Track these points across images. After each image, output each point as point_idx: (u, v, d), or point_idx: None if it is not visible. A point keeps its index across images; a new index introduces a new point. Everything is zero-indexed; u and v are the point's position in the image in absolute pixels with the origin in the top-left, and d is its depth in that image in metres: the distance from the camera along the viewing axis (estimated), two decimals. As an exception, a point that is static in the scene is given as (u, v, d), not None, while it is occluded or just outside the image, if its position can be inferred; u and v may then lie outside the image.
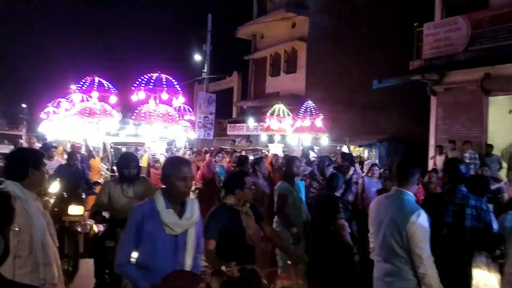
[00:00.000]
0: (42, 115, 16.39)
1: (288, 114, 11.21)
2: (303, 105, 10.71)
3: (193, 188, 7.35)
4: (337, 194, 4.36)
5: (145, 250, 2.36)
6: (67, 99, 12.57)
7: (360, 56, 15.90)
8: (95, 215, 4.12)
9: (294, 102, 16.13)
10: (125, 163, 4.09)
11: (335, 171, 5.14)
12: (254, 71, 21.88)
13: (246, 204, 3.16)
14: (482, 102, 10.96)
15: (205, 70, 20.59)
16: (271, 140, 11.94)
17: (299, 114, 10.59)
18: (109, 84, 7.80)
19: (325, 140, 10.85)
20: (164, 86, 6.73)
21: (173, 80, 7.15)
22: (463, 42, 10.89)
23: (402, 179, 2.88)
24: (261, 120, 18.70)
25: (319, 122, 10.46)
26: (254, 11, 21.47)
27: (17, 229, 1.55)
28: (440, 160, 10.97)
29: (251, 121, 18.75)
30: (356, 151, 15.65)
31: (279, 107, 11.27)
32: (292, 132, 10.67)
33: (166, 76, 6.91)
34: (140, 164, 4.31)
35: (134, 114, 7.46)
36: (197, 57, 21.42)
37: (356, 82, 15.69)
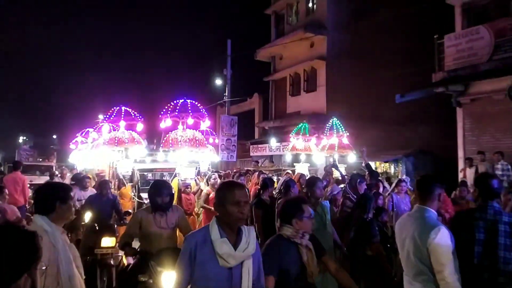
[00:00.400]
0: (72, 146, 16.91)
1: (313, 133, 11.14)
2: (328, 123, 10.47)
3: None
4: (370, 215, 4.21)
5: (198, 283, 2.20)
6: (95, 129, 12.99)
7: (381, 71, 15.79)
8: (125, 246, 3.89)
9: (316, 120, 16.13)
10: (158, 191, 3.84)
11: (367, 192, 4.97)
12: (274, 92, 22.07)
13: (306, 236, 2.81)
14: (511, 111, 10.65)
15: (226, 93, 20.90)
16: (296, 159, 11.79)
17: (325, 132, 10.36)
18: (135, 113, 8.00)
19: (352, 158, 10.59)
20: (190, 111, 6.78)
21: (198, 104, 7.21)
22: (487, 51, 10.69)
23: (423, 196, 2.84)
24: (283, 140, 18.75)
25: (345, 139, 10.21)
26: (272, 34, 21.84)
27: (44, 267, 1.55)
28: (470, 172, 10.65)
29: (273, 141, 18.78)
30: (382, 167, 15.37)
31: (304, 126, 11.18)
32: (318, 151, 10.44)
33: (191, 101, 6.98)
34: (172, 192, 4.13)
35: (162, 141, 7.64)
36: (218, 82, 21.83)
37: (378, 97, 15.56)
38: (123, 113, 7.82)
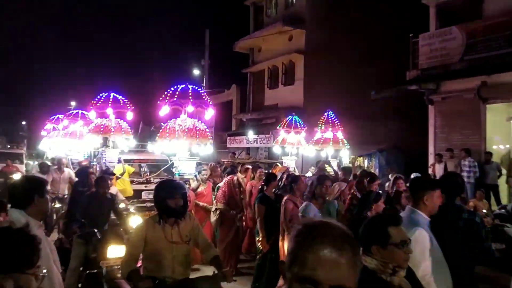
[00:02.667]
0: (43, 133, 16.44)
1: (304, 126, 10.96)
2: (323, 116, 10.12)
3: (213, 208, 6.75)
4: (369, 214, 3.89)
5: None
6: (67, 115, 12.65)
7: (358, 67, 16.05)
8: (132, 275, 2.89)
9: (293, 113, 16.23)
10: (170, 192, 3.04)
11: (369, 190, 4.64)
12: (252, 84, 22.05)
13: (400, 272, 1.98)
14: (480, 110, 11.05)
15: (204, 84, 20.76)
16: (273, 153, 11.65)
17: (318, 125, 10.03)
18: (124, 100, 7.59)
19: (345, 153, 10.25)
20: (190, 98, 5.95)
21: (200, 90, 6.40)
22: (459, 51, 11.04)
23: (412, 198, 2.84)
24: (260, 132, 18.83)
25: (340, 133, 9.87)
26: (251, 26, 21.75)
27: (44, 271, 1.45)
28: (439, 168, 11.02)
29: (250, 134, 18.83)
30: (356, 161, 15.68)
31: (295, 118, 11.00)
32: (310, 144, 10.14)
33: (192, 86, 6.14)
34: (187, 191, 3.40)
35: (155, 128, 7.13)
36: (196, 72, 21.64)
37: (354, 92, 15.81)
38: (111, 100, 7.43)
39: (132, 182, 9.00)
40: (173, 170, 9.18)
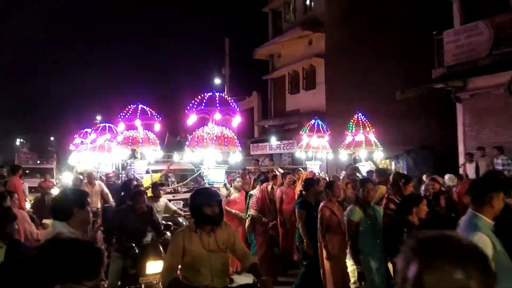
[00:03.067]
0: (71, 147, 16.86)
1: (327, 130, 10.88)
2: (353, 119, 9.95)
3: (246, 215, 6.73)
4: (411, 218, 3.79)
5: None
6: (94, 129, 12.95)
7: (381, 67, 15.78)
8: (174, 285, 2.86)
9: (316, 118, 16.12)
10: (206, 199, 3.03)
11: (411, 192, 4.54)
12: (273, 90, 22.05)
13: None
14: (511, 106, 10.67)
15: (225, 92, 20.90)
16: (293, 158, 11.54)
17: (349, 128, 9.89)
18: (152, 111, 7.70)
19: (379, 155, 9.95)
20: (218, 105, 5.98)
21: (227, 97, 6.43)
22: (486, 46, 10.71)
23: (474, 201, 2.64)
24: (283, 138, 18.75)
25: (372, 135, 9.68)
26: (269, 32, 21.82)
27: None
28: (470, 168, 10.68)
29: (273, 140, 18.78)
30: (382, 163, 15.39)
31: (317, 122, 10.94)
32: (343, 148, 10.00)
33: (219, 94, 6.21)
34: (222, 199, 3.41)
35: (181, 138, 7.22)
36: (217, 81, 21.81)
37: (378, 94, 15.56)
38: (139, 112, 7.54)
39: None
40: (200, 179, 9.25)
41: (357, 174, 8.17)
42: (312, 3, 19.26)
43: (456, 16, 11.97)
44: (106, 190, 8.22)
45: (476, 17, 11.23)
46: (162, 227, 5.33)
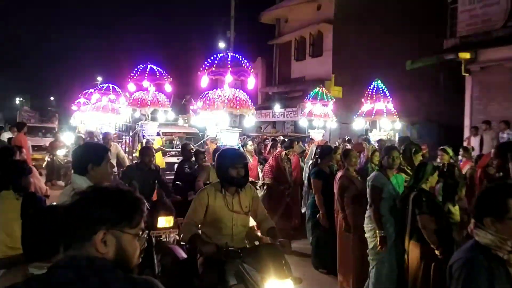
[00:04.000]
0: (74, 107, 16.77)
1: (332, 98, 10.74)
2: (371, 85, 9.55)
3: (260, 183, 6.35)
4: (424, 186, 3.71)
5: None
6: (97, 89, 12.81)
7: (390, 36, 15.42)
8: (196, 240, 2.90)
9: (322, 86, 15.94)
10: (231, 160, 3.03)
11: (423, 161, 4.42)
12: (278, 56, 21.67)
13: None
14: (522, 80, 10.50)
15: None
16: (311, 126, 11.38)
17: (367, 95, 9.50)
18: (161, 71, 7.50)
19: (398, 125, 9.72)
20: (229, 66, 5.74)
21: (241, 58, 6.07)
22: (502, 17, 10.39)
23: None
24: (287, 106, 18.61)
25: (390, 105, 9.38)
26: (277, -5, 21.17)
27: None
28: (474, 141, 10.64)
29: (277, 107, 18.65)
30: (386, 134, 15.35)
31: (321, 90, 10.78)
32: (361, 117, 9.71)
33: (232, 54, 5.94)
34: (248, 161, 3.49)
35: (186, 101, 7.05)
36: (221, 44, 21.35)
37: (386, 63, 15.28)
38: (147, 71, 7.35)
39: (164, 154, 9.10)
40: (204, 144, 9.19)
41: (366, 143, 8.09)
42: (323, -33, 18.56)
43: (472, -16, 11.55)
44: (122, 153, 8.12)
45: (494, -14, 10.84)
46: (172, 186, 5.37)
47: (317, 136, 10.70)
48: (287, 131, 18.14)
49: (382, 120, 9.29)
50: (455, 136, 11.91)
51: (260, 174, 6.90)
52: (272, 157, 6.36)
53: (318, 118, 10.53)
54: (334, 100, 11.16)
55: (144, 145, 7.92)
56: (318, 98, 10.43)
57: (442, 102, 14.45)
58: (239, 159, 3.05)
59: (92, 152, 2.54)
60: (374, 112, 9.31)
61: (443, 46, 11.89)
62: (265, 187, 6.18)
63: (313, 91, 10.78)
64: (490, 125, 10.53)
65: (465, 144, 11.22)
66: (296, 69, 20.20)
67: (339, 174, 4.88)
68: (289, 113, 18.01)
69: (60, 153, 11.10)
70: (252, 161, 6.69)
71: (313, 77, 18.13)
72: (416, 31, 14.97)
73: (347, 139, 10.41)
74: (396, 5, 15.85)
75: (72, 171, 2.57)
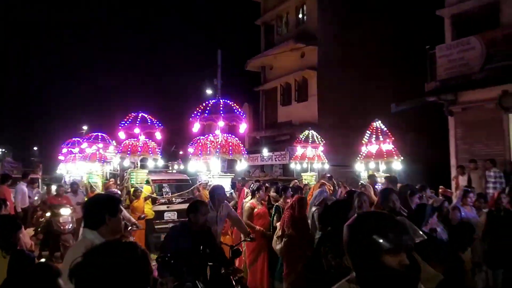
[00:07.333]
0: (60, 157, 16.57)
1: (322, 140, 10.86)
2: (371, 127, 9.60)
3: (279, 233, 5.35)
4: (425, 229, 3.56)
5: None
6: (85, 139, 12.73)
7: (373, 81, 15.98)
8: None
9: (309, 128, 16.19)
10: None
11: (422, 203, 4.36)
12: (265, 102, 22.11)
13: None
14: (502, 119, 10.87)
15: (217, 103, 20.84)
16: (302, 169, 11.32)
17: (365, 137, 9.59)
18: (153, 119, 7.57)
19: (398, 165, 9.57)
20: (221, 112, 5.88)
21: (232, 104, 6.24)
22: (479, 61, 10.92)
23: None
24: (275, 150, 18.72)
25: (389, 145, 9.38)
26: (262, 44, 21.95)
27: None
28: (462, 180, 10.75)
29: (265, 151, 18.74)
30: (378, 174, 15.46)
31: (311, 133, 10.87)
32: (361, 160, 9.69)
33: (224, 101, 6.10)
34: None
35: (175, 148, 7.12)
36: (209, 91, 21.73)
37: (370, 107, 15.71)
38: (139, 120, 7.36)
39: (154, 202, 8.91)
40: (195, 190, 9.04)
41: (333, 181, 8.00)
42: (305, 17, 19.49)
43: (447, 31, 12.24)
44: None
45: (467, 32, 11.49)
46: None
47: (310, 178, 10.71)
48: (276, 175, 18.12)
49: (384, 161, 9.21)
50: (441, 175, 12.05)
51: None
52: (291, 204, 5.45)
53: (312, 161, 10.60)
54: (324, 142, 11.31)
55: (132, 193, 7.81)
56: (310, 141, 10.53)
57: (426, 143, 14.77)
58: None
59: (108, 202, 2.45)
60: (385, 153, 9.20)
61: (424, 90, 12.35)
62: (284, 239, 5.26)
63: (303, 133, 10.91)
64: (477, 164, 10.71)
65: (453, 183, 11.36)
66: (283, 113, 20.56)
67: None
68: (278, 156, 18.09)
69: (64, 212, 8.05)
70: (263, 207, 6.14)
71: (299, 121, 18.44)
72: (399, 76, 15.56)
73: (328, 176, 10.51)
74: (378, 51, 16.57)
75: (83, 225, 2.45)
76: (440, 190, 6.18)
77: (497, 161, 10.32)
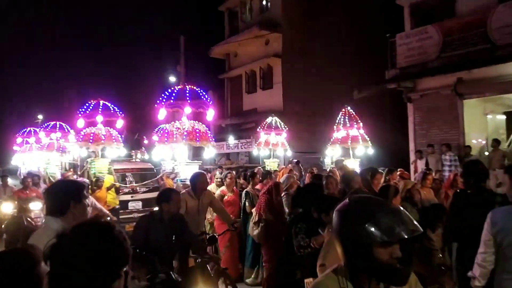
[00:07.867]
0: (15, 147, 15.76)
1: (285, 127, 10.97)
2: (341, 111, 9.58)
3: (256, 218, 5.18)
4: None
5: None
6: (44, 128, 12.18)
7: (336, 68, 16.23)
8: None
9: (273, 115, 16.28)
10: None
11: (386, 184, 4.37)
12: (230, 89, 21.95)
13: None
14: (457, 106, 11.39)
15: (181, 91, 20.47)
16: (265, 156, 11.37)
17: (337, 122, 9.51)
18: (115, 107, 7.32)
19: (371, 151, 9.73)
20: (188, 98, 5.72)
21: (199, 90, 6.04)
22: (436, 49, 11.36)
23: None
24: (241, 137, 18.73)
25: (361, 130, 9.43)
26: (226, 31, 21.69)
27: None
28: (421, 164, 11.22)
29: (231, 139, 18.70)
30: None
31: (274, 119, 10.91)
32: (337, 144, 9.60)
33: (190, 87, 5.91)
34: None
35: (139, 136, 6.92)
36: (172, 79, 21.29)
37: (333, 94, 15.99)
38: (100, 107, 7.08)
39: (118, 192, 8.71)
40: (160, 179, 8.90)
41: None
42: (269, 4, 19.40)
43: (407, 20, 12.61)
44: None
45: (426, 21, 11.90)
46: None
47: (272, 165, 10.80)
48: (242, 162, 18.17)
49: (358, 146, 9.37)
50: (402, 160, 12.52)
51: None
52: (267, 189, 5.39)
53: (275, 148, 10.63)
54: (287, 129, 11.42)
55: (94, 183, 7.54)
56: (273, 127, 10.58)
57: (387, 128, 15.25)
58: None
59: (73, 189, 2.33)
60: (350, 138, 9.32)
61: (385, 76, 12.72)
62: (261, 223, 5.13)
63: (267, 120, 10.95)
64: (434, 148, 11.21)
65: (412, 166, 11.85)
66: (248, 101, 20.53)
67: None
68: (243, 144, 18.12)
69: (35, 207, 7.38)
70: (233, 195, 6.02)
71: (264, 109, 18.48)
72: (360, 63, 15.88)
73: (295, 161, 10.69)
74: (341, 39, 16.81)
75: (44, 213, 2.33)
76: (398, 173, 6.42)
77: (452, 146, 10.86)
